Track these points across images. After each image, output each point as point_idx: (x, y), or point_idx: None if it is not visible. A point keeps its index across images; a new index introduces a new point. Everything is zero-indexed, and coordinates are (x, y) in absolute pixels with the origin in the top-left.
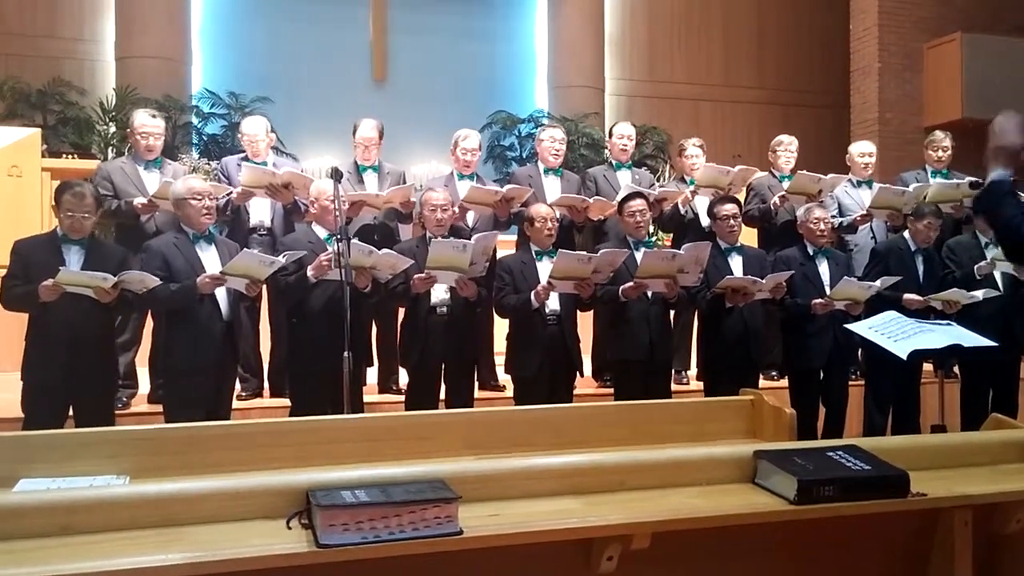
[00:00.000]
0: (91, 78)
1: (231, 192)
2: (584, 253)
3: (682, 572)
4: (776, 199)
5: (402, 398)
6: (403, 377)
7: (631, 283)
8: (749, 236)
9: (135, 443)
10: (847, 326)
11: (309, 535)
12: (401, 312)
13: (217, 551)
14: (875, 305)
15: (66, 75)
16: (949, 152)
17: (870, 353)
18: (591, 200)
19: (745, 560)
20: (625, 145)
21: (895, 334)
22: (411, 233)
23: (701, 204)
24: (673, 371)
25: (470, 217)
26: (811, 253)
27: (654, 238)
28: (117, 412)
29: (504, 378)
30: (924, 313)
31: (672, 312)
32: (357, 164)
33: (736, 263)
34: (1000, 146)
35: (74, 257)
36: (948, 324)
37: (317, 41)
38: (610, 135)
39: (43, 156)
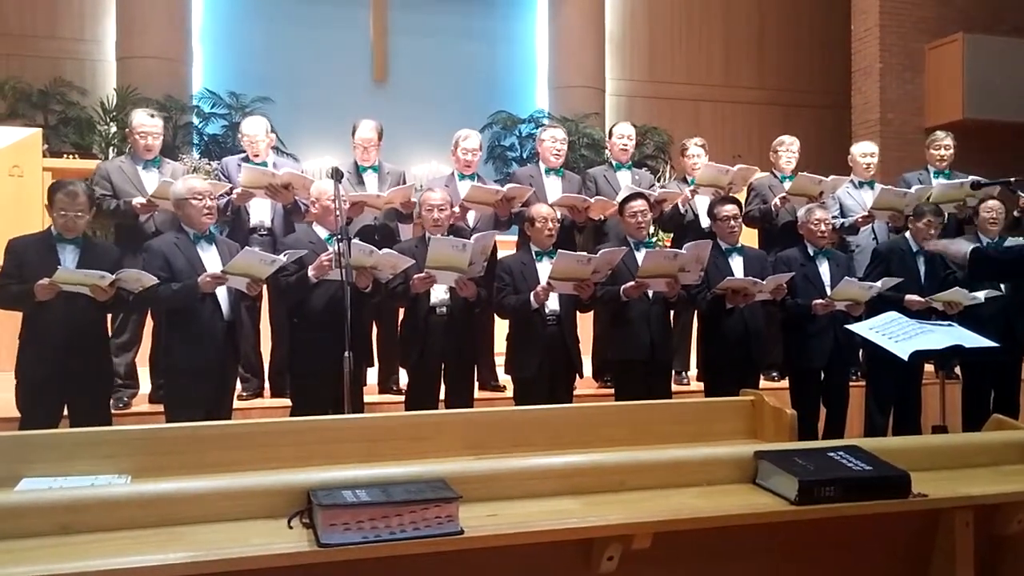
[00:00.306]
0: (92, 78)
1: (230, 189)
2: (584, 254)
3: (682, 572)
4: (777, 200)
5: (402, 398)
6: (403, 377)
7: (632, 283)
8: (750, 237)
9: (135, 443)
10: (848, 327)
11: (310, 535)
12: (401, 312)
13: (218, 551)
14: (876, 306)
15: (67, 75)
16: (951, 152)
17: (871, 354)
18: (592, 200)
19: (746, 560)
20: (625, 145)
21: (896, 335)
22: (411, 233)
23: (701, 204)
24: (673, 371)
25: (471, 217)
26: (812, 254)
27: (654, 238)
28: (118, 412)
29: (504, 378)
30: (925, 314)
31: (672, 312)
32: (357, 165)
33: (737, 264)
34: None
35: (69, 256)
36: (949, 325)
37: (317, 41)
38: (610, 135)
39: (44, 156)
